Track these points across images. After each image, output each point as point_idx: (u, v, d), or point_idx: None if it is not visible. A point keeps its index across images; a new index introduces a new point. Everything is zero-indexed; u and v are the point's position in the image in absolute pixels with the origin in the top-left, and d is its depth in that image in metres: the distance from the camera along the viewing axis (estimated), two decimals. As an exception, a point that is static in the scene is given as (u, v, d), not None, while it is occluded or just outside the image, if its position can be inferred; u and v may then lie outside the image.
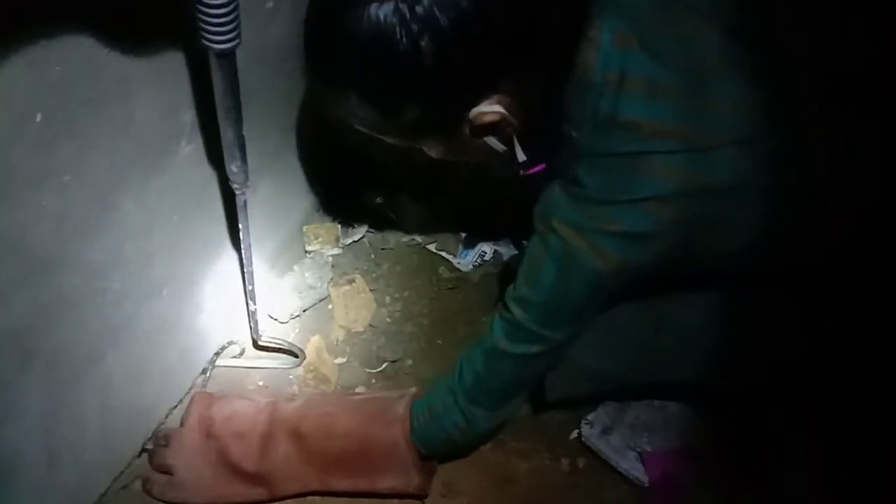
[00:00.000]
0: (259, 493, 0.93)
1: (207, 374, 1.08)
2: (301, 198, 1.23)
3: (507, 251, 1.28)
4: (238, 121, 0.77)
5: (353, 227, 1.29)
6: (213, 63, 0.71)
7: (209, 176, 0.90)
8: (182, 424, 0.98)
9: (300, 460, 0.92)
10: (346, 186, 1.30)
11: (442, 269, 1.26)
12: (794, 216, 0.78)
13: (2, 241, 0.64)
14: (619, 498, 1.00)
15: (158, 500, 0.94)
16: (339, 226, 1.28)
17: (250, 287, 1.00)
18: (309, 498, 0.95)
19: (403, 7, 0.65)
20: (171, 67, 0.76)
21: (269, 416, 0.95)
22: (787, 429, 1.03)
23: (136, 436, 1.00)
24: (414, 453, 0.91)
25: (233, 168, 0.82)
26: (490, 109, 0.73)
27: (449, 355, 1.14)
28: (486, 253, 1.27)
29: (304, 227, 1.25)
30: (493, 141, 0.78)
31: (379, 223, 1.29)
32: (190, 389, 1.06)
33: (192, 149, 0.85)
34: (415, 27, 0.65)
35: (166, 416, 1.03)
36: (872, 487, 0.96)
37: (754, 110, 0.73)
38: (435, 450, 0.94)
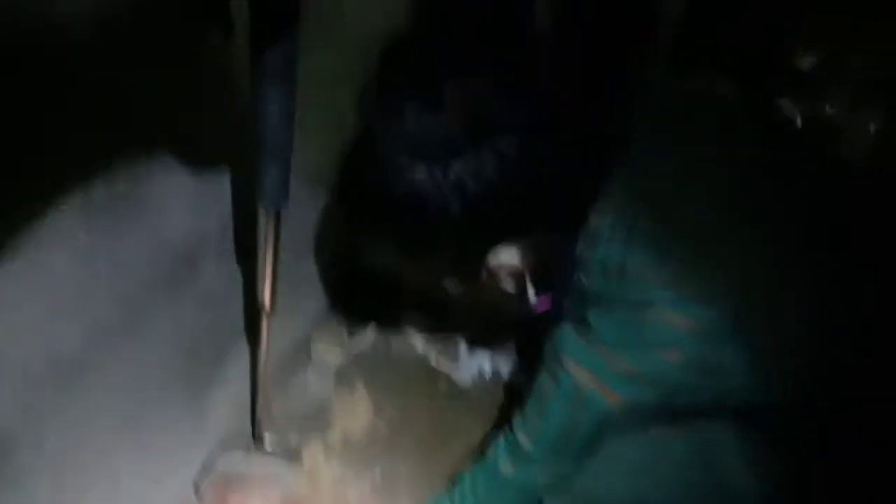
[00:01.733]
0: None
1: (209, 474, 1.10)
2: (310, 303, 1.30)
3: (505, 369, 1.32)
4: (276, 261, 0.86)
5: (359, 336, 1.34)
6: (264, 216, 0.81)
7: (231, 293, 0.98)
8: None
9: None
10: (356, 296, 1.36)
11: (441, 384, 1.31)
12: (790, 361, 0.81)
13: (40, 346, 0.70)
14: None
15: None
16: (346, 333, 1.33)
17: (261, 398, 1.05)
18: None
19: (437, 172, 0.74)
20: (202, 188, 0.84)
21: None
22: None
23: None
24: None
25: (265, 297, 0.89)
26: (508, 262, 0.81)
27: (443, 467, 1.17)
28: (485, 371, 1.31)
29: (312, 333, 1.30)
30: (507, 284, 0.86)
31: (384, 332, 1.34)
32: (196, 488, 1.09)
33: (217, 268, 0.93)
34: (446, 190, 0.75)
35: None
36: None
37: (754, 266, 0.78)
38: None
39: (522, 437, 0.86)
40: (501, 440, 0.89)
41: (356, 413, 1.23)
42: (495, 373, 1.31)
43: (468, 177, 0.73)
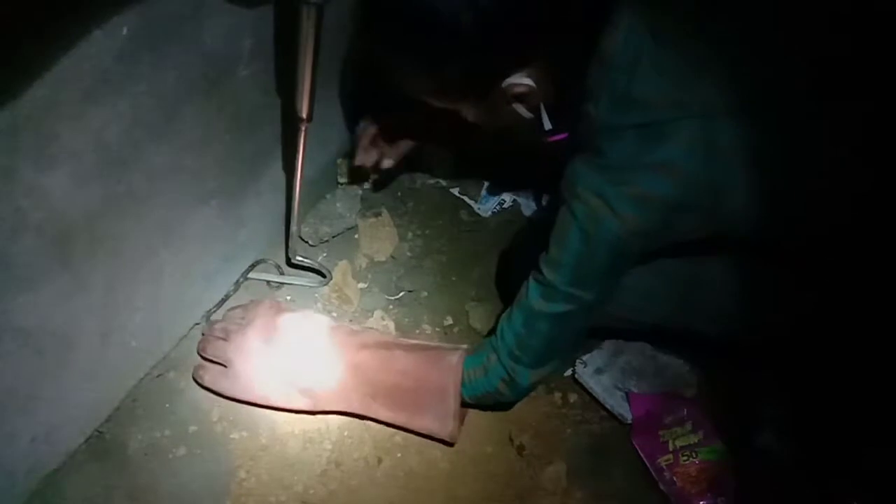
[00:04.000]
0: (304, 403, 1.03)
1: (240, 284, 1.18)
2: (339, 130, 1.31)
3: (525, 202, 1.36)
4: (315, 67, 0.86)
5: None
6: (305, 13, 0.80)
7: (261, 101, 0.99)
8: (245, 323, 1.07)
9: (352, 385, 1.02)
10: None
11: (462, 213, 1.35)
12: (789, 185, 0.85)
13: (86, 135, 0.74)
14: (602, 431, 1.10)
15: (207, 387, 1.06)
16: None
17: (295, 210, 1.09)
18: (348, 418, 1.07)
19: None
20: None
21: (330, 338, 1.05)
22: (764, 390, 1.12)
23: (175, 331, 1.11)
24: (457, 403, 1.00)
25: (303, 106, 0.91)
26: (520, 81, 0.82)
27: (462, 291, 1.24)
28: (504, 201, 1.36)
29: (338, 160, 1.33)
30: (521, 109, 0.87)
31: (408, 164, 1.37)
32: (225, 296, 1.17)
33: (248, 73, 0.94)
34: (456, 3, 0.74)
35: (202, 317, 1.14)
36: (831, 448, 1.05)
37: (751, 88, 0.80)
38: (480, 401, 1.03)
39: (547, 271, 0.90)
40: (531, 278, 0.94)
41: (380, 237, 1.28)
42: (515, 204, 1.36)
43: None
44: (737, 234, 0.88)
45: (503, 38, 0.77)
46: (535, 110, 0.87)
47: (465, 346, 1.04)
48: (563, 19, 0.78)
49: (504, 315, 0.98)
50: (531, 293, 0.93)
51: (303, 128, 0.95)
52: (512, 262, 1.20)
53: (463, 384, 0.99)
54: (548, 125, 0.89)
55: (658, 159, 0.79)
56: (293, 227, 1.12)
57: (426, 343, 1.08)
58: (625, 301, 0.96)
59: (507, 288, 1.20)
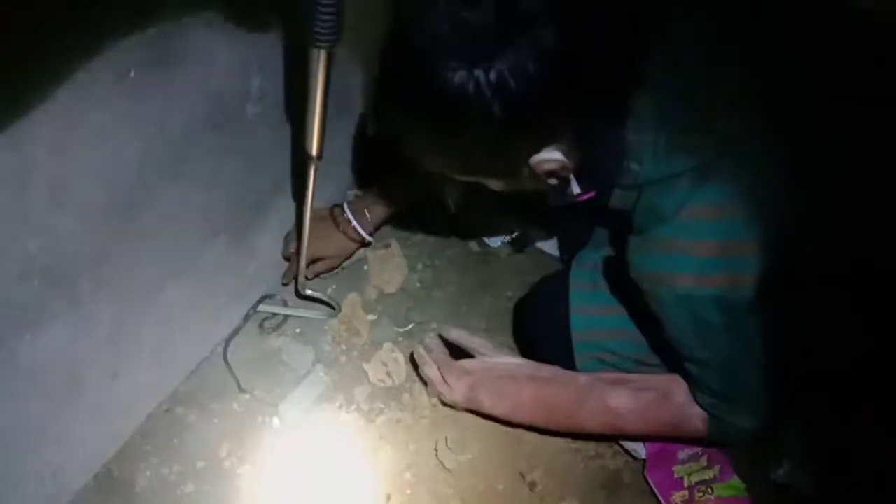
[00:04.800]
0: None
1: (249, 317, 1.18)
2: (348, 165, 1.32)
3: (536, 234, 1.35)
4: (325, 107, 0.86)
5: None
6: (315, 56, 0.80)
7: (270, 138, 1.00)
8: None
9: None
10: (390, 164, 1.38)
11: (472, 245, 1.35)
12: (821, 210, 0.85)
13: (94, 177, 0.74)
14: (615, 466, 1.08)
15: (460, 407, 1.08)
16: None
17: (304, 244, 1.08)
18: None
19: (478, 73, 0.68)
20: (247, 37, 0.85)
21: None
22: (784, 422, 1.09)
23: (183, 366, 1.10)
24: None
25: (313, 145, 0.90)
26: (550, 157, 0.79)
27: (472, 323, 1.23)
28: (514, 232, 1.35)
29: (348, 192, 1.34)
30: (550, 180, 0.84)
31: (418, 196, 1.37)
32: (234, 330, 1.17)
33: (257, 111, 0.94)
34: (487, 92, 0.69)
35: (210, 351, 1.14)
36: (852, 481, 1.03)
37: (777, 118, 0.81)
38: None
39: (706, 396, 0.92)
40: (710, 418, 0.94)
41: (390, 269, 1.28)
42: (526, 238, 1.35)
43: (509, 76, 0.68)
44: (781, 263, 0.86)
45: (532, 120, 0.75)
46: (564, 180, 0.85)
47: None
48: (593, 93, 0.75)
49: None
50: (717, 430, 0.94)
51: (313, 165, 0.95)
52: (524, 319, 1.18)
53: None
54: (576, 189, 0.87)
55: (710, 200, 0.79)
56: (302, 262, 1.12)
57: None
58: None
59: (521, 340, 1.20)
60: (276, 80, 0.93)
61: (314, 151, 0.91)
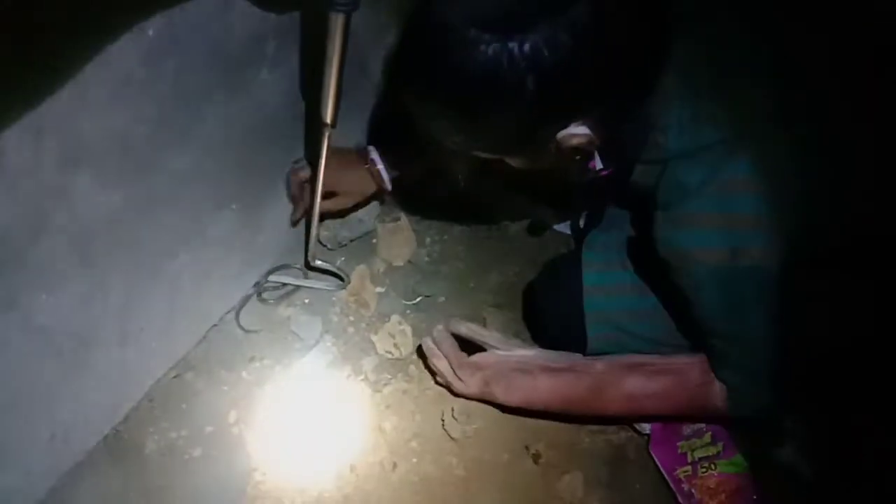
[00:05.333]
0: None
1: (259, 287, 1.19)
2: (361, 135, 1.31)
3: (545, 213, 1.35)
4: (341, 73, 0.85)
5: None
6: (333, 19, 0.79)
7: (283, 105, 0.99)
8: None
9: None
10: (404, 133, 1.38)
11: (482, 221, 1.34)
12: (832, 192, 0.85)
13: (110, 137, 0.74)
14: (619, 441, 1.09)
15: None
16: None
17: (315, 214, 1.09)
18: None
19: (512, 45, 0.67)
20: (263, 1, 0.84)
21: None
22: (788, 402, 1.10)
23: (193, 332, 1.11)
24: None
25: (328, 112, 0.90)
26: (578, 132, 0.78)
27: (480, 298, 1.24)
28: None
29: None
30: (574, 155, 0.83)
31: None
32: (244, 299, 1.18)
33: (271, 78, 0.94)
34: (522, 64, 0.68)
35: (220, 319, 1.15)
36: (853, 465, 1.04)
37: (793, 100, 0.81)
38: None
39: (731, 373, 0.92)
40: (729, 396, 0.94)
41: (399, 242, 1.28)
42: (543, 222, 1.35)
43: (544, 48, 0.67)
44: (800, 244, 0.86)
45: (564, 94, 0.73)
46: (588, 155, 0.84)
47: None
48: (623, 68, 0.75)
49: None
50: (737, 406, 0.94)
51: (326, 133, 0.95)
52: (536, 300, 1.17)
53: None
54: (599, 165, 0.86)
55: (741, 173, 0.79)
56: (313, 232, 1.12)
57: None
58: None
59: (532, 323, 1.20)
60: (293, 46, 0.93)
61: (328, 119, 0.91)
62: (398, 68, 0.78)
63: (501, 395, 1.05)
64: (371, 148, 1.17)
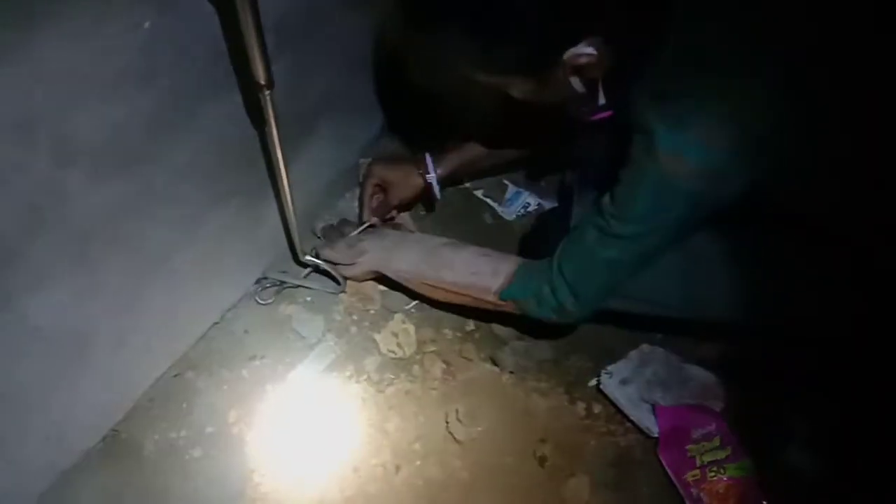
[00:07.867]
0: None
1: (260, 283, 1.17)
2: (361, 132, 1.30)
3: (550, 205, 1.33)
4: (259, 30, 0.77)
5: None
6: None
7: (282, 100, 0.97)
8: None
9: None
10: (404, 126, 1.36)
11: (486, 216, 1.33)
12: (811, 151, 0.85)
13: (105, 131, 0.72)
14: (627, 443, 1.07)
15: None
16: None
17: (288, 202, 1.03)
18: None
19: None
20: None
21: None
22: (795, 404, 1.08)
23: (193, 330, 1.09)
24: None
25: (259, 73, 0.82)
26: (584, 51, 0.78)
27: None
28: (529, 204, 1.33)
29: (360, 160, 1.31)
30: (576, 82, 0.83)
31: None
32: (245, 295, 1.16)
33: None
34: None
35: (220, 317, 1.13)
36: (861, 465, 1.02)
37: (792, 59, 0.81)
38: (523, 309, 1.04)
39: (614, 222, 0.90)
40: (594, 227, 0.93)
41: (402, 239, 1.26)
42: (540, 207, 1.33)
43: None
44: (764, 199, 0.87)
45: (570, 8, 0.75)
46: (591, 84, 0.85)
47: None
48: None
49: (562, 259, 0.98)
50: (594, 239, 0.93)
51: (265, 95, 0.85)
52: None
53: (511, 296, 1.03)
54: (602, 100, 0.87)
55: (724, 108, 0.79)
56: (295, 236, 1.10)
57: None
58: (649, 282, 0.96)
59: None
60: (293, 42, 0.90)
61: (262, 79, 0.83)
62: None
63: (375, 264, 1.13)
64: (427, 156, 1.21)
